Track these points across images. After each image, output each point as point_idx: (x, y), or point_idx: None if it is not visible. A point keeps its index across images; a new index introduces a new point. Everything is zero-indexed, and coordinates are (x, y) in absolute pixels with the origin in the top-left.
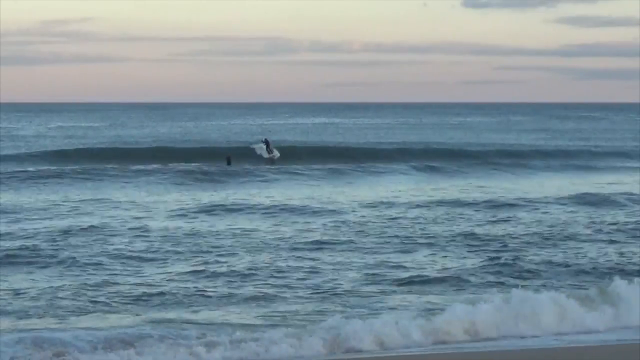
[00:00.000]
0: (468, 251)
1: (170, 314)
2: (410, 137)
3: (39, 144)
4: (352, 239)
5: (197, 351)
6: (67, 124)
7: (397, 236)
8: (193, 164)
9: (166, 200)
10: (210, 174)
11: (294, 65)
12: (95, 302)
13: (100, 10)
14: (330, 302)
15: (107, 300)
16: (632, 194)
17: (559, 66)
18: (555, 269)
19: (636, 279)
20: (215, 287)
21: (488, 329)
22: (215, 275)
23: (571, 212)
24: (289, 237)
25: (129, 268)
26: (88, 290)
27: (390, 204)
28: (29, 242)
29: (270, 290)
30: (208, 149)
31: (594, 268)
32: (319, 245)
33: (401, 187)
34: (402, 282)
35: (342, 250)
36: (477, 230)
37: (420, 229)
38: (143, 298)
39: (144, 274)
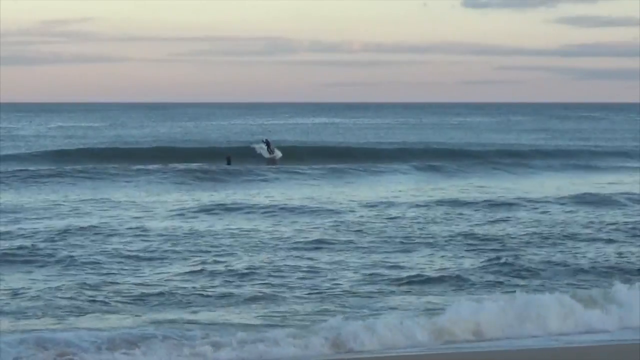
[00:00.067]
0: (468, 251)
1: (171, 314)
2: (410, 137)
3: (39, 143)
4: (352, 238)
5: (203, 351)
6: (67, 124)
7: (397, 236)
8: (193, 164)
9: (166, 200)
10: (210, 174)
11: (294, 65)
12: (96, 302)
13: (100, 10)
14: (330, 303)
15: (108, 300)
16: (632, 194)
17: (559, 66)
18: (555, 269)
19: (637, 284)
20: (215, 287)
21: (492, 329)
22: (215, 275)
23: (571, 211)
24: (289, 237)
25: (129, 268)
26: (88, 290)
27: (390, 204)
28: (28, 242)
29: (270, 290)
30: (208, 149)
31: (593, 268)
32: (319, 245)
33: (401, 187)
34: (402, 282)
35: (342, 250)
36: (477, 230)
37: (419, 228)
38: (143, 298)
39: (144, 274)
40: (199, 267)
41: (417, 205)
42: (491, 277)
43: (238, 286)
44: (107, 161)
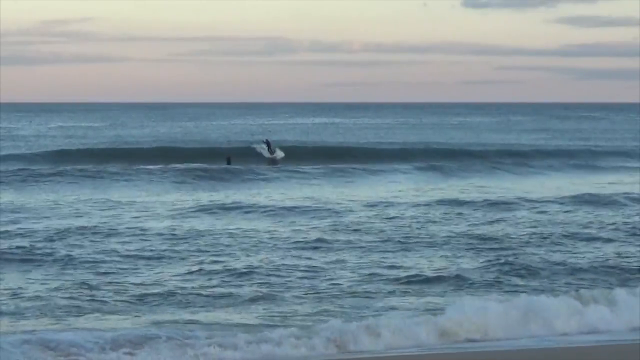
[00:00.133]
0: (467, 250)
1: (172, 314)
2: (411, 137)
3: (39, 143)
4: (351, 238)
5: (207, 352)
6: (67, 124)
7: (397, 236)
8: (193, 164)
9: (166, 200)
10: (210, 174)
11: (294, 65)
12: (96, 302)
13: (100, 10)
14: (330, 303)
15: (108, 301)
16: (632, 194)
17: (559, 66)
18: (555, 268)
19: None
20: (215, 287)
21: (494, 329)
22: (215, 275)
23: (571, 211)
24: (289, 237)
25: (128, 268)
26: (88, 290)
27: (390, 204)
28: (28, 242)
29: (270, 290)
30: (208, 149)
31: (593, 267)
32: (319, 245)
33: (401, 187)
34: (402, 282)
35: (342, 250)
36: (477, 229)
37: (419, 228)
38: (143, 298)
39: (144, 274)
40: (198, 267)
41: (417, 205)
42: (491, 277)
43: (238, 286)
44: (107, 161)
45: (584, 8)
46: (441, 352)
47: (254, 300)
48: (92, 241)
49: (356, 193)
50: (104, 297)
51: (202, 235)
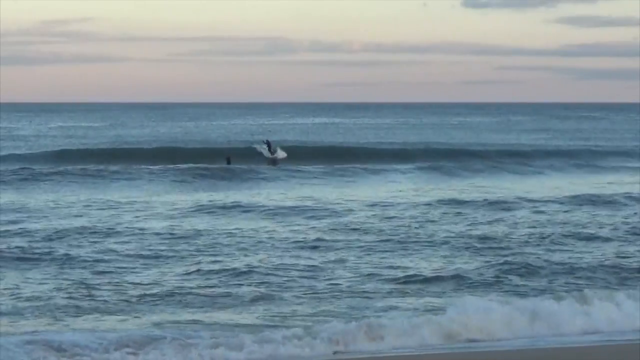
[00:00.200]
0: (468, 250)
1: (172, 315)
2: (411, 137)
3: (39, 143)
4: (351, 238)
5: (212, 353)
6: (67, 124)
7: (397, 236)
8: (193, 164)
9: (166, 200)
10: (210, 174)
11: (294, 65)
12: (96, 302)
13: (100, 10)
14: (330, 303)
15: (108, 301)
16: (632, 193)
17: (559, 66)
18: (555, 268)
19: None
20: (215, 287)
21: (495, 329)
22: (215, 275)
23: (571, 211)
24: (289, 237)
25: (128, 268)
26: (88, 290)
27: (390, 204)
28: (27, 242)
29: (271, 291)
30: (208, 149)
31: (593, 267)
32: (319, 245)
33: (401, 187)
34: (402, 282)
35: (342, 250)
36: (477, 229)
37: (419, 228)
38: (143, 298)
39: (144, 274)
40: (198, 267)
41: (417, 205)
42: (491, 277)
43: (238, 286)
44: (107, 161)
45: (584, 8)
46: (441, 352)
47: (253, 300)
48: (91, 241)
49: (356, 193)
50: (104, 297)
51: (202, 235)
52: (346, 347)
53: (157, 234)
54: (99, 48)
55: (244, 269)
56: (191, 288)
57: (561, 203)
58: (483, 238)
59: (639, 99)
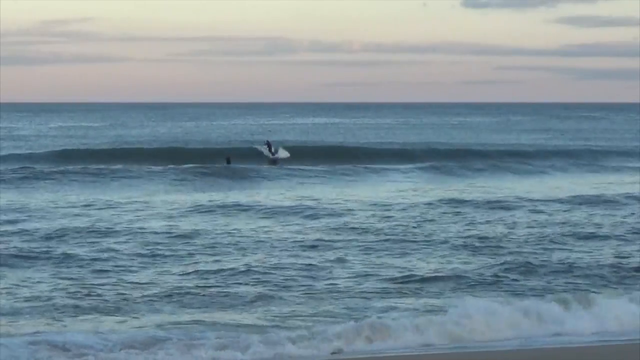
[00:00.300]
0: (468, 250)
1: (172, 315)
2: (411, 137)
3: (39, 143)
4: (351, 238)
5: (218, 353)
6: (67, 124)
7: (397, 236)
8: (193, 164)
9: (166, 199)
10: (210, 174)
11: (294, 65)
12: (96, 302)
13: (100, 10)
14: (329, 303)
15: (108, 301)
16: (632, 193)
17: (559, 66)
18: (554, 268)
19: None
20: (215, 287)
21: (497, 329)
22: (215, 275)
23: (571, 211)
24: (289, 237)
25: (128, 268)
26: (88, 290)
27: (390, 204)
28: (27, 242)
29: (270, 291)
30: (208, 149)
31: (593, 267)
32: (320, 245)
33: (402, 187)
34: (402, 282)
35: (342, 250)
36: (477, 229)
37: (420, 228)
38: (144, 298)
39: (143, 274)
40: (198, 267)
41: (418, 205)
42: (491, 277)
43: (237, 286)
44: (107, 161)
45: (584, 8)
46: (442, 352)
47: (253, 300)
48: (91, 241)
49: (356, 193)
50: (104, 297)
51: (201, 235)
52: (346, 347)
53: (157, 233)
54: (99, 48)
55: (244, 269)
56: (190, 288)
57: (561, 203)
58: (483, 238)
59: (639, 99)
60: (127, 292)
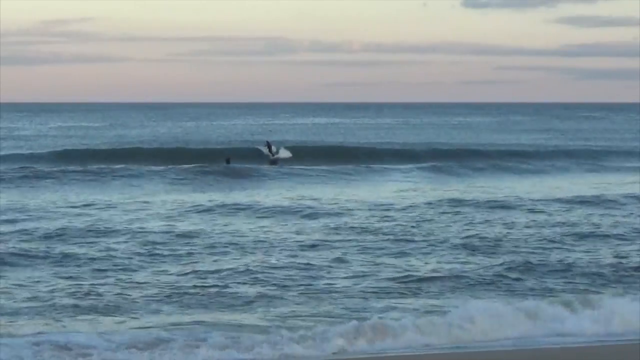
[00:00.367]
0: (468, 250)
1: (174, 316)
2: (411, 137)
3: (39, 143)
4: (351, 238)
5: (223, 354)
6: (67, 124)
7: (397, 236)
8: (193, 164)
9: (166, 200)
10: (210, 174)
11: (294, 65)
12: (97, 303)
13: (100, 10)
14: (329, 303)
15: (110, 302)
16: (632, 193)
17: (559, 66)
18: (554, 268)
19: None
20: (213, 287)
21: (497, 330)
22: (214, 275)
23: (571, 211)
24: (288, 237)
25: (128, 269)
26: (89, 290)
27: (390, 204)
28: (26, 242)
29: (270, 291)
30: (208, 149)
31: (593, 268)
32: (320, 245)
33: (402, 187)
34: (402, 282)
35: (342, 250)
36: (477, 229)
37: (420, 228)
38: (144, 299)
39: (143, 275)
40: (198, 267)
41: (418, 205)
42: (491, 277)
43: (237, 286)
44: (107, 161)
45: (584, 8)
46: (442, 352)
47: (253, 300)
48: (90, 241)
49: (356, 193)
50: (104, 297)
51: (201, 235)
52: (348, 347)
53: (157, 233)
54: (99, 48)
55: (243, 269)
56: (190, 288)
57: (561, 203)
58: (483, 238)
59: (639, 99)
60: (127, 292)
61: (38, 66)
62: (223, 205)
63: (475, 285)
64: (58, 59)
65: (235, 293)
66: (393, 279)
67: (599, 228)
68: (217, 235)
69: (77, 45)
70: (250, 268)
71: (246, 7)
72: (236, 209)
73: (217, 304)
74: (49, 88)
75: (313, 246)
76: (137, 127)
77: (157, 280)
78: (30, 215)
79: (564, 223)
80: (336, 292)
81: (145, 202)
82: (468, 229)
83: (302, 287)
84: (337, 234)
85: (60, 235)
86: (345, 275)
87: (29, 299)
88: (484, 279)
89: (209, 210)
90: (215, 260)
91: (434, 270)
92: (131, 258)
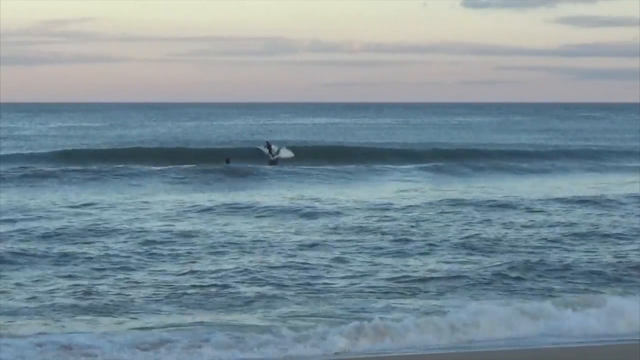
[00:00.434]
0: (468, 250)
1: (174, 316)
2: (411, 137)
3: (39, 143)
4: (351, 239)
5: (226, 354)
6: (67, 124)
7: (397, 236)
8: (193, 164)
9: (166, 200)
10: (210, 174)
11: (294, 65)
12: (98, 303)
13: (100, 10)
14: (329, 304)
15: (110, 302)
16: (633, 193)
17: (559, 66)
18: (554, 268)
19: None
20: (213, 287)
21: (498, 330)
22: (213, 275)
23: (571, 211)
24: (288, 237)
25: (127, 269)
26: (89, 291)
27: (390, 204)
28: (26, 242)
29: (270, 291)
30: (208, 149)
31: (593, 268)
32: (319, 245)
33: (402, 187)
34: (402, 282)
35: (342, 250)
36: (477, 229)
37: (420, 228)
38: (144, 299)
39: (143, 275)
40: (198, 268)
41: (418, 205)
42: (491, 277)
43: (237, 286)
44: (107, 161)
45: (584, 8)
46: (442, 352)
47: (253, 300)
48: (90, 241)
49: (356, 193)
50: (104, 297)
51: (201, 235)
52: (350, 347)
53: (155, 233)
54: (99, 48)
55: (243, 269)
56: (189, 288)
57: (561, 203)
58: (483, 238)
59: (639, 99)
60: (126, 291)
61: (38, 66)
62: (223, 205)
63: (475, 285)
64: (58, 59)
65: (235, 293)
66: (393, 279)
67: (598, 228)
68: (216, 235)
69: (77, 45)
70: (249, 268)
71: (246, 7)
72: (236, 208)
73: (218, 304)
74: (49, 88)
75: (312, 246)
76: (137, 127)
77: (157, 280)
78: (30, 215)
79: (563, 223)
80: (336, 292)
81: (145, 202)
82: (468, 229)
83: (301, 287)
84: (337, 233)
85: (59, 235)
86: (345, 275)
87: (29, 299)
88: (484, 279)
89: (208, 210)
90: (215, 260)
91: (433, 270)
92: (130, 257)
